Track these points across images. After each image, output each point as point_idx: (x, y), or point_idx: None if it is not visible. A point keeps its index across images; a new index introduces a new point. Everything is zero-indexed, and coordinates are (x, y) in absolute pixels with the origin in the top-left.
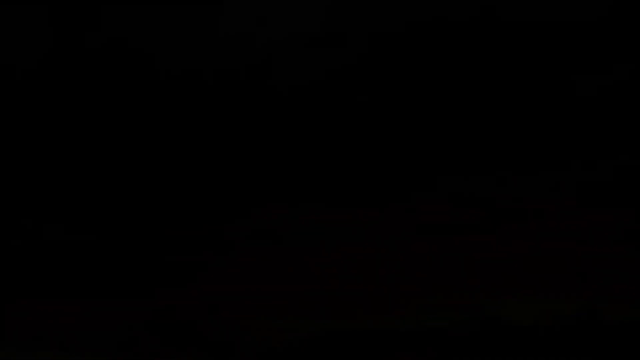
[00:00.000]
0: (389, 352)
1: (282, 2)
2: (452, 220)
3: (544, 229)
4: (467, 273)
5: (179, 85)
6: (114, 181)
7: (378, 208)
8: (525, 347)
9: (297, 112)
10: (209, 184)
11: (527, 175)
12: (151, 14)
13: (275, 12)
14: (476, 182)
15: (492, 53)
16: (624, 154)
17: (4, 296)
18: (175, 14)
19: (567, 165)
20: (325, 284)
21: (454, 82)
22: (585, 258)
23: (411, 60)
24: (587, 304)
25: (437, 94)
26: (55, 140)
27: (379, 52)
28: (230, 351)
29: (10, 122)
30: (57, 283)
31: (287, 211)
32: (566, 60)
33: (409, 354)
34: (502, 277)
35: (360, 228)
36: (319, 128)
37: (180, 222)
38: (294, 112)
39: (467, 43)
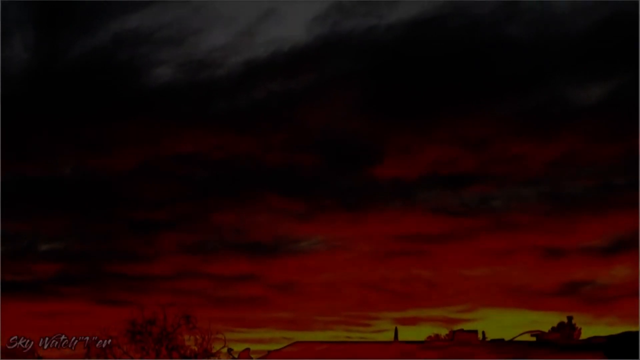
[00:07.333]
0: None
1: None
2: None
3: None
4: (444, 286)
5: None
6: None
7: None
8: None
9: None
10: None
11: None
12: None
13: None
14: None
15: None
16: None
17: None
18: None
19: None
20: (303, 293)
21: None
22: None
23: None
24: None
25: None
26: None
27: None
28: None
29: None
30: (46, 288)
31: (266, 220)
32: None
33: None
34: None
35: (339, 237)
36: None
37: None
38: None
39: None
